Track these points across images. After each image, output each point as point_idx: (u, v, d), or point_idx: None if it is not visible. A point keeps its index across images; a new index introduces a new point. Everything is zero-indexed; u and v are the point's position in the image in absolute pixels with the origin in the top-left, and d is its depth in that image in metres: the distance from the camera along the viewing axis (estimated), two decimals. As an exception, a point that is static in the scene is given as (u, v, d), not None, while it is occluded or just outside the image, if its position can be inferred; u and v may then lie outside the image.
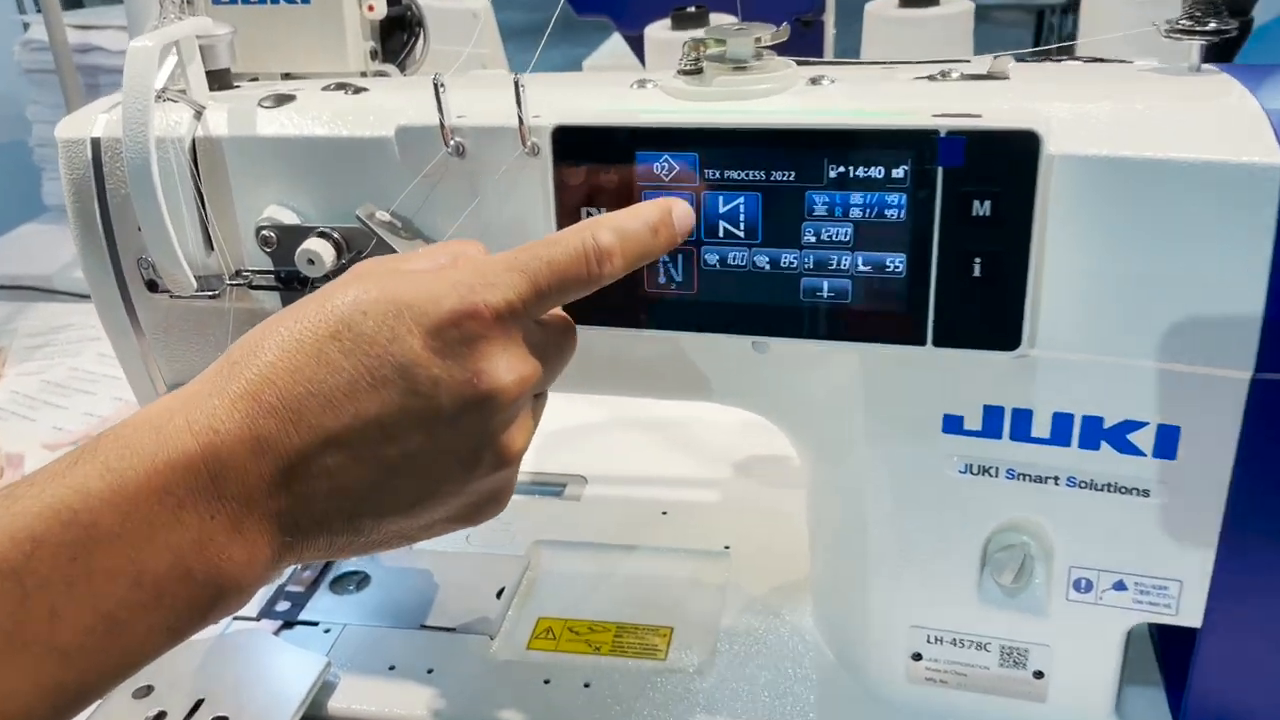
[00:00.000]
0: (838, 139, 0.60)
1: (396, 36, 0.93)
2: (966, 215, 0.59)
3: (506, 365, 0.53)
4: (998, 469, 0.68)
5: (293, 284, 0.74)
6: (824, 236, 0.62)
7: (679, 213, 0.61)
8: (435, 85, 0.66)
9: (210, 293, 0.75)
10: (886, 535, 0.73)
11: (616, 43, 2.00)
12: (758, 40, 0.68)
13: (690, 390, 0.74)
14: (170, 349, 0.80)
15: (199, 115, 0.74)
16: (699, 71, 0.70)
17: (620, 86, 0.72)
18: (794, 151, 0.61)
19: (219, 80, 0.79)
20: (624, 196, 0.64)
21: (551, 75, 0.77)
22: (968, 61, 0.80)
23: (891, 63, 0.79)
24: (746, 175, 0.62)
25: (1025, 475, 0.67)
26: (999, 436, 0.67)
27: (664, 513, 1.02)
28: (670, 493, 1.05)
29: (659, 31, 1.13)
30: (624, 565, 0.94)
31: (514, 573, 0.92)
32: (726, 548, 0.96)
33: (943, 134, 0.58)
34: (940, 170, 0.59)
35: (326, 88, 0.77)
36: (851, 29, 1.34)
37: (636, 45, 1.47)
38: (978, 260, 0.60)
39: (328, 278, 0.72)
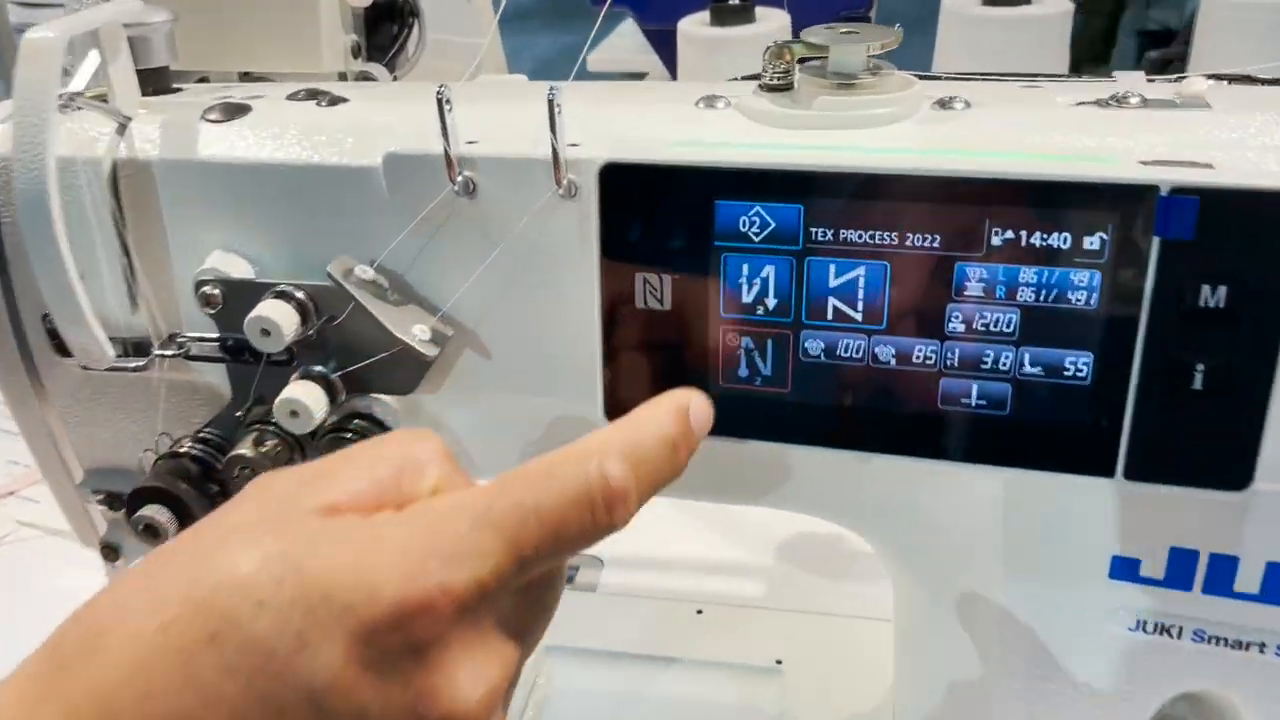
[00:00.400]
0: (1006, 192, 0.43)
1: (385, 28, 0.75)
2: (1190, 306, 0.42)
3: (471, 676, 0.35)
4: (1181, 629, 0.51)
5: (242, 355, 0.56)
6: (977, 325, 0.45)
7: (699, 413, 0.41)
8: (439, 100, 0.49)
9: (134, 364, 0.57)
10: (1018, 700, 0.55)
11: (627, 34, 1.82)
12: (870, 48, 0.51)
13: (762, 496, 0.56)
14: (85, 425, 0.62)
15: (123, 129, 0.56)
16: (788, 87, 0.53)
17: (681, 104, 0.54)
18: (942, 207, 0.44)
19: (154, 82, 0.61)
20: (696, 261, 0.47)
21: (586, 86, 0.60)
22: (1110, 79, 0.63)
23: (1018, 76, 0.62)
24: (870, 237, 0.45)
25: (1219, 639, 0.50)
26: (1188, 588, 0.50)
27: (699, 611, 0.84)
28: (705, 583, 0.87)
29: (695, 27, 0.95)
30: (652, 685, 0.77)
31: (518, 692, 0.74)
32: (779, 662, 0.78)
33: (1164, 192, 0.41)
34: (1157, 242, 0.41)
35: (294, 95, 0.59)
36: (910, 29, 1.16)
37: (660, 41, 1.30)
38: (1200, 369, 0.42)
39: (290, 359, 0.54)
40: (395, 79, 0.72)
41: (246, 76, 0.69)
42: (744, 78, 0.69)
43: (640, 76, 1.75)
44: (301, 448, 0.56)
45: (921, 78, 0.54)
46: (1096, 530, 0.50)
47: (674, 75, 1.37)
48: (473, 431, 0.59)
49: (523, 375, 0.55)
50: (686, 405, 0.41)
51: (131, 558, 0.66)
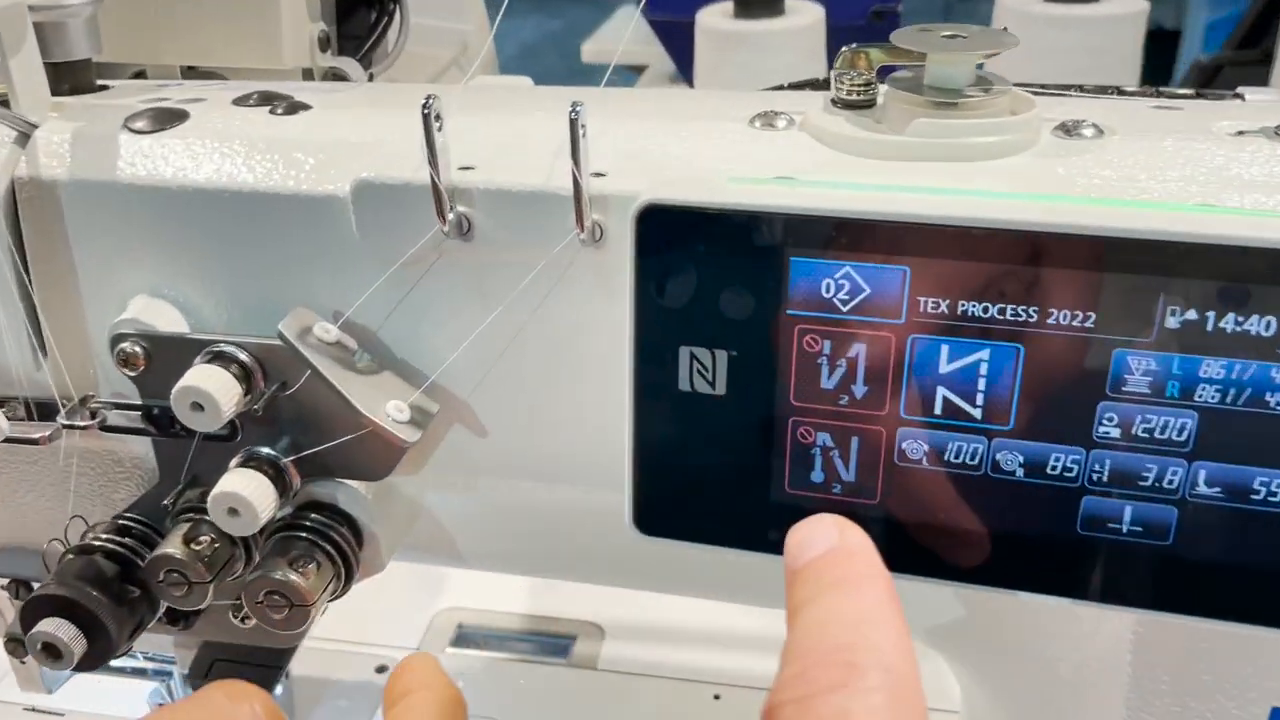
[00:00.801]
0: (1188, 260, 0.32)
1: (360, 15, 0.63)
2: None
3: None
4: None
5: (171, 428, 0.44)
6: (1138, 430, 0.34)
7: None
8: (426, 115, 0.37)
9: (36, 434, 0.45)
10: None
11: (625, 21, 1.70)
12: (979, 57, 0.40)
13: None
14: (-16, 501, 0.51)
15: (25, 140, 0.44)
16: (869, 104, 0.42)
17: (730, 121, 0.43)
18: (1099, 277, 0.33)
19: (71, 78, 0.49)
20: (762, 333, 0.36)
21: (606, 94, 0.48)
22: (1234, 96, 0.52)
23: (1143, 92, 0.51)
24: (1000, 312, 0.34)
25: None
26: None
27: (716, 697, 0.73)
28: (722, 659, 0.76)
29: (718, 20, 0.84)
30: (665, 790, 0.66)
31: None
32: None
33: None
34: (1403, 333, 0.30)
35: (244, 100, 0.47)
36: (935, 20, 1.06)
37: (668, 34, 1.18)
38: None
39: (233, 434, 0.43)
40: (371, 77, 0.60)
41: (192, 71, 0.57)
42: (791, 85, 0.58)
43: (640, 70, 1.63)
44: (247, 546, 0.45)
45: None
46: (1254, 682, 0.39)
47: (683, 70, 1.25)
48: (461, 521, 0.48)
49: (526, 459, 0.44)
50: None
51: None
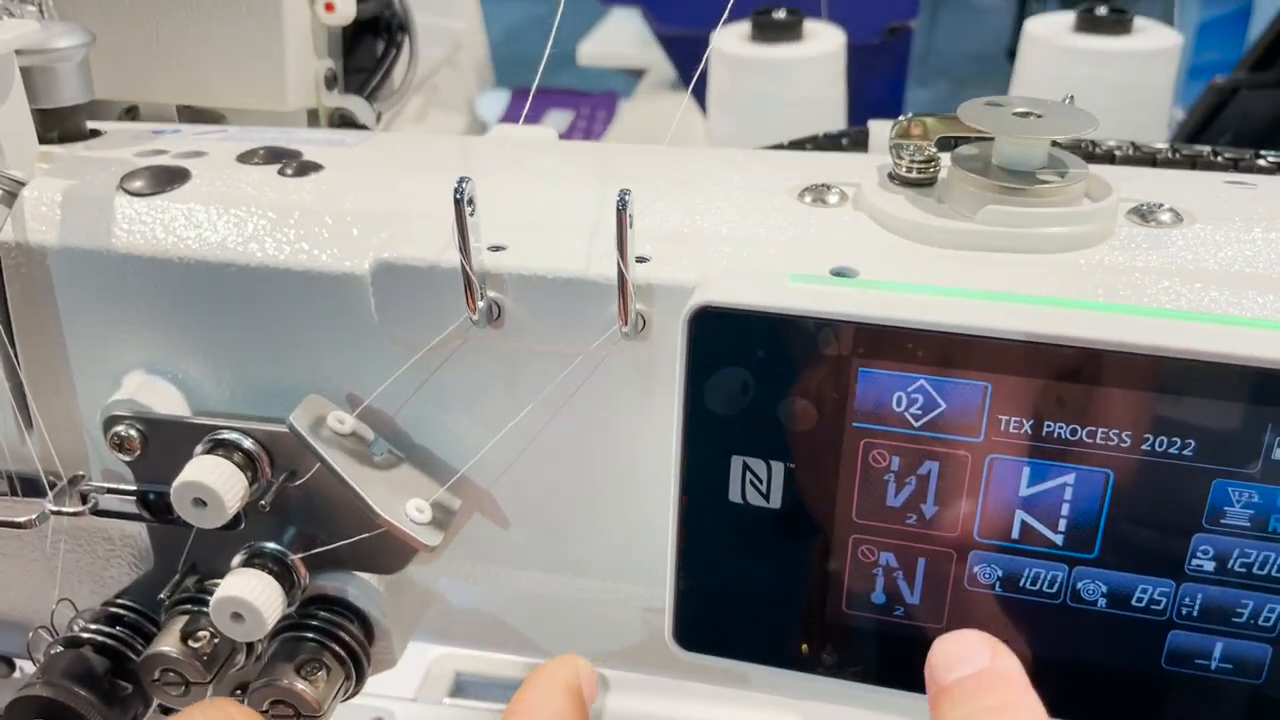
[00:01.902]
0: (1305, 387, 0.29)
1: (367, 46, 0.59)
2: None
3: None
4: None
5: (169, 516, 0.41)
6: (1235, 565, 0.31)
7: (590, 688, 0.34)
8: (458, 200, 0.34)
9: (21, 519, 0.41)
10: None
11: (623, 22, 1.66)
12: (1055, 139, 0.37)
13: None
14: (-38, 577, 0.47)
15: (11, 199, 0.41)
16: (931, 181, 0.39)
17: (774, 193, 0.40)
18: (1201, 404, 0.30)
19: (61, 125, 0.46)
20: (824, 446, 0.33)
21: (635, 151, 0.45)
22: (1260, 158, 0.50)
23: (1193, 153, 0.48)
24: (1088, 435, 0.31)
25: None
26: None
27: (728, 757, 0.70)
28: (731, 713, 0.73)
29: (734, 44, 0.80)
30: None
31: None
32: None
33: None
34: None
35: (249, 156, 0.43)
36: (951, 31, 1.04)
37: (674, 46, 1.15)
38: None
39: (236, 522, 0.40)
40: (379, 115, 0.57)
41: (188, 110, 0.54)
42: (827, 136, 0.55)
43: (639, 74, 1.59)
44: (249, 643, 0.42)
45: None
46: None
47: (687, 82, 1.22)
48: (477, 609, 0.45)
49: (550, 554, 0.41)
50: (578, 684, 0.34)
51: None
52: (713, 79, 0.84)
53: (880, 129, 0.53)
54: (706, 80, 0.87)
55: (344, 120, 0.54)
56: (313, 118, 0.53)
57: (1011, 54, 1.20)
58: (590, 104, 1.73)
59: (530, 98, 0.41)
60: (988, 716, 0.28)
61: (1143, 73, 0.75)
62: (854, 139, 0.53)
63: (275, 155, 0.43)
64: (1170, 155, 0.51)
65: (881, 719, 0.38)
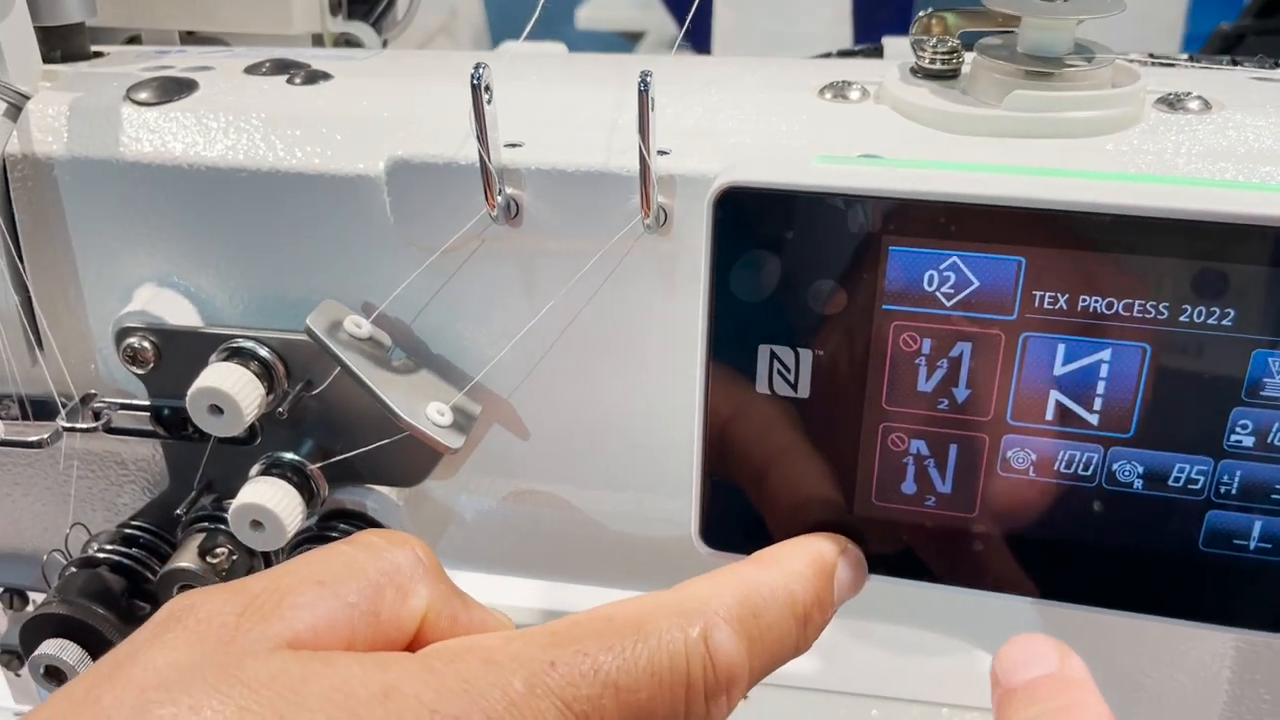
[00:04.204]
0: (1347, 249, 0.28)
1: (371, -24, 0.58)
2: None
3: None
4: None
5: (184, 431, 0.40)
6: (1276, 438, 0.31)
7: (845, 576, 0.33)
8: (475, 85, 0.33)
9: (32, 436, 0.41)
10: None
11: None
12: (1080, 20, 0.36)
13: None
14: (-26, 506, 0.47)
15: (16, 112, 0.40)
16: (954, 74, 0.38)
17: (797, 90, 0.39)
18: (1237, 268, 0.29)
19: (64, 44, 0.45)
20: (853, 330, 0.32)
21: (651, 61, 0.44)
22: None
23: (1235, 59, 0.48)
24: (1124, 308, 0.30)
25: None
26: None
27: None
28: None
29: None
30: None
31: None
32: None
33: None
34: None
35: (257, 68, 0.43)
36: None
37: (678, 6, 1.14)
38: None
39: (252, 436, 0.39)
40: (385, 44, 0.56)
41: (190, 37, 0.53)
42: (841, 53, 0.54)
43: (638, 37, 1.58)
44: (266, 555, 0.41)
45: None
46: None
47: (690, 36, 1.21)
48: (498, 530, 0.44)
49: (572, 464, 0.40)
50: (832, 563, 0.32)
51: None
52: (718, 22, 0.83)
53: (895, 44, 0.52)
54: (710, 32, 0.86)
55: (349, 45, 0.53)
56: (317, 43, 0.52)
57: None
58: (589, 69, 1.72)
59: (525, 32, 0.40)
60: (1057, 717, 0.28)
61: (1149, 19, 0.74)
62: (869, 53, 0.52)
63: (282, 66, 0.42)
64: (1190, 64, 0.50)
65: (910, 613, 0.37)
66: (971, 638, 0.45)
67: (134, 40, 0.53)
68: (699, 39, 0.95)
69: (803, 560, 0.32)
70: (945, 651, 0.71)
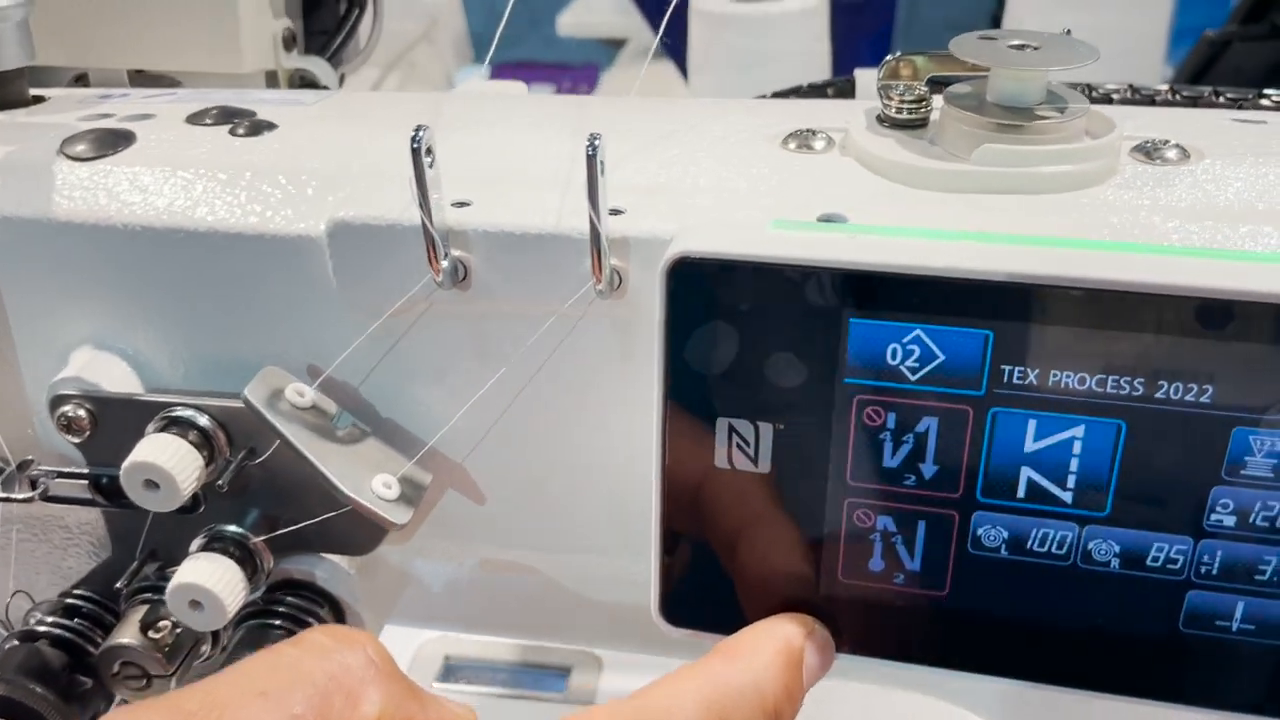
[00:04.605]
0: (1331, 325, 0.27)
1: (329, 7, 0.57)
2: None
3: None
4: None
5: (123, 500, 0.38)
6: (1258, 519, 0.29)
7: (814, 661, 0.31)
8: (415, 149, 0.31)
9: (-33, 507, 0.39)
10: None
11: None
12: (1054, 71, 0.34)
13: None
14: (-86, 570, 0.45)
15: (-56, 167, 0.38)
16: (923, 123, 0.36)
17: (760, 141, 0.37)
18: (1219, 346, 0.28)
19: (2, 90, 0.43)
20: (814, 404, 0.30)
21: (611, 104, 0.43)
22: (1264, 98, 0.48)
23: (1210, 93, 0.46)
24: (1098, 384, 0.29)
25: None
26: None
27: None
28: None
29: (715, 2, 0.78)
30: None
31: None
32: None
33: None
34: None
35: (200, 117, 0.41)
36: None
37: (650, 6, 1.12)
38: None
39: (195, 505, 0.37)
40: (342, 78, 0.54)
41: (140, 75, 0.51)
42: (811, 87, 0.53)
43: (620, 44, 1.56)
44: (215, 632, 0.39)
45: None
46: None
47: (667, 47, 1.19)
48: (456, 589, 0.42)
49: (529, 529, 0.39)
50: (799, 649, 0.30)
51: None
52: (693, 39, 0.81)
53: (867, 77, 0.50)
54: (687, 44, 0.84)
55: (305, 83, 0.51)
56: (272, 81, 0.51)
57: (996, 21, 1.18)
58: (571, 76, 1.71)
59: (495, 41, 0.38)
60: None
61: (1134, 17, 0.73)
62: (840, 89, 0.50)
63: (227, 115, 0.41)
64: (1170, 97, 0.48)
65: (882, 691, 0.36)
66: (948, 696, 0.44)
67: (81, 79, 0.52)
68: (677, 49, 0.94)
69: (769, 650, 0.30)
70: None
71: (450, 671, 0.74)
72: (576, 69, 1.71)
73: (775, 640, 0.30)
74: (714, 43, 0.78)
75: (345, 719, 0.26)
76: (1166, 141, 0.36)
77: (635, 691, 0.28)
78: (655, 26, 1.18)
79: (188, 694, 0.25)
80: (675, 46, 1.10)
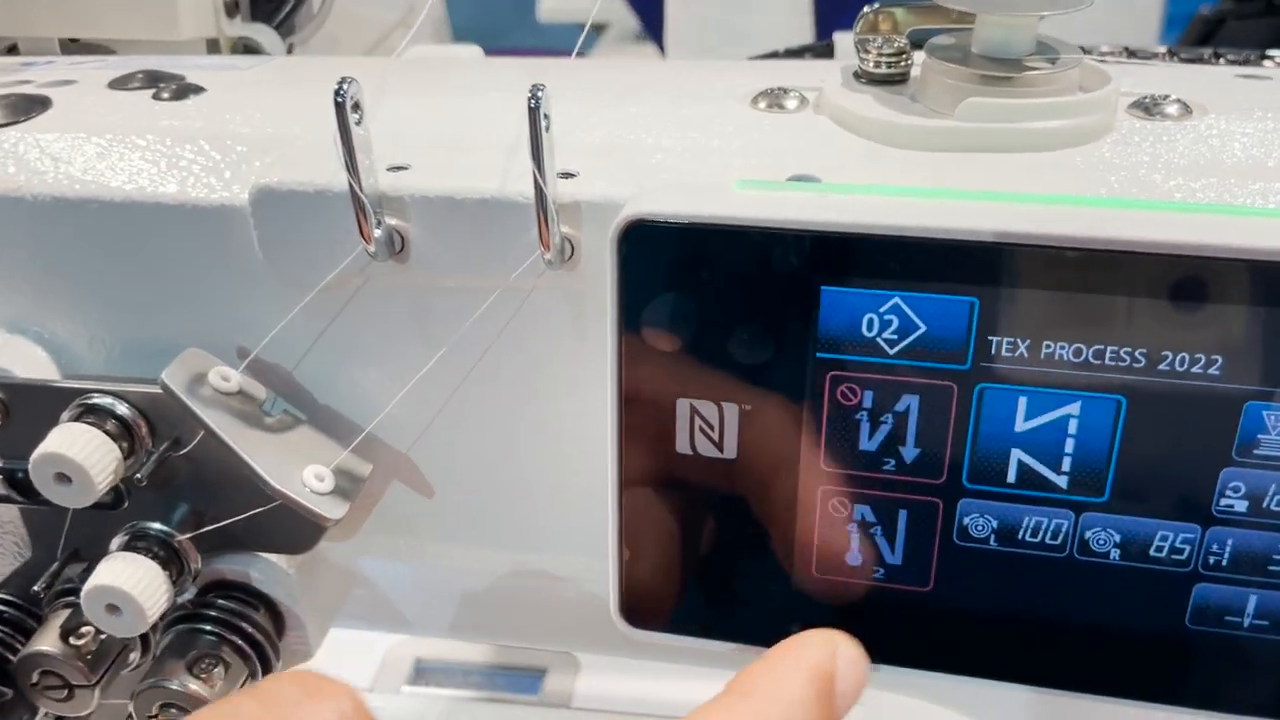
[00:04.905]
0: (1354, 287, 0.24)
1: (279, -27, 0.54)
2: None
3: None
4: None
5: (35, 495, 0.35)
6: (1273, 502, 0.26)
7: (847, 690, 0.25)
8: (339, 102, 0.28)
9: (-128, 505, 0.36)
10: None
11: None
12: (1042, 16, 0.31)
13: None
14: None
15: None
16: (903, 77, 0.34)
17: (728, 101, 0.35)
18: (1225, 310, 0.25)
19: (-88, 56, 0.40)
20: (783, 382, 0.28)
21: (575, 66, 0.40)
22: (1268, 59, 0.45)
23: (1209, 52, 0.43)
24: (1094, 356, 0.26)
25: None
26: None
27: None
28: (710, 694, 0.68)
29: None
30: None
31: None
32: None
33: None
34: None
35: (123, 82, 0.38)
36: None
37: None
38: None
39: (118, 501, 0.35)
40: (291, 48, 0.51)
41: (75, 45, 0.48)
42: (788, 51, 0.50)
43: (600, 29, 1.53)
44: (144, 636, 0.36)
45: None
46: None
47: (650, 29, 1.16)
48: (408, 589, 0.40)
49: (486, 521, 0.36)
50: (830, 675, 0.25)
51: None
52: (670, 15, 0.79)
53: (847, 40, 0.47)
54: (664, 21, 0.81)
55: (248, 50, 0.48)
56: (213, 48, 0.48)
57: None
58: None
59: None
60: None
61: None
62: (818, 53, 0.47)
63: (153, 80, 0.38)
64: (1168, 59, 0.46)
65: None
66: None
67: (12, 50, 0.49)
68: (655, 28, 0.90)
69: (797, 682, 0.24)
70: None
71: (421, 674, 0.71)
72: (557, 55, 1.69)
73: (802, 669, 0.25)
74: (690, 19, 0.75)
75: None
76: (1167, 96, 0.33)
77: None
78: (636, 9, 1.15)
79: None
80: (650, 21, 1.07)
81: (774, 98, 0.34)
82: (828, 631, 0.25)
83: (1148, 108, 0.33)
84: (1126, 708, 0.29)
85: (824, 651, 0.25)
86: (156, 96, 0.36)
